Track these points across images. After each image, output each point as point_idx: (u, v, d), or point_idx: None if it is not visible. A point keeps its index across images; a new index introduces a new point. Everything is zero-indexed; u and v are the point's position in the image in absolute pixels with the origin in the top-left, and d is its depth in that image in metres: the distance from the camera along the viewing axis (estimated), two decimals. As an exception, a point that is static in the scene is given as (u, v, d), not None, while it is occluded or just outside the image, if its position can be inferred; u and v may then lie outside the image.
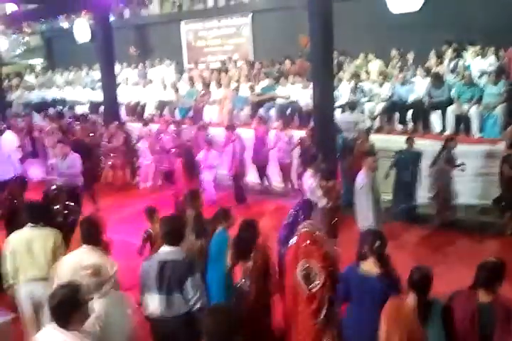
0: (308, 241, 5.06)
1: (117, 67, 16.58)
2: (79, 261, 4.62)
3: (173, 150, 11.59)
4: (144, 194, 11.94)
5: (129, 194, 12.12)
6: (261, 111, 13.27)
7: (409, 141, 9.49)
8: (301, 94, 12.61)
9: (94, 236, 4.90)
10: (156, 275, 4.40)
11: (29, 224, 5.44)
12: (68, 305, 3.46)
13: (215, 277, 5.37)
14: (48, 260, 5.26)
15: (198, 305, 4.32)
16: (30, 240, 5.33)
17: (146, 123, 13.19)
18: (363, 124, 11.08)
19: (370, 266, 4.45)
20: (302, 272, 4.97)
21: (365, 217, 7.11)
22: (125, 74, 17.62)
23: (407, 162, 9.39)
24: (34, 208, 5.68)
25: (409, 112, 11.29)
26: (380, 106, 11.72)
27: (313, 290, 4.93)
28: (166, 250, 4.53)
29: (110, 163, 12.84)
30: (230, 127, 11.46)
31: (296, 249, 5.10)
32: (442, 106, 10.75)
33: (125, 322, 4.19)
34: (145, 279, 4.52)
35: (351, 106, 11.42)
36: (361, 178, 7.25)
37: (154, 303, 4.44)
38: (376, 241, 4.47)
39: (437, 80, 10.85)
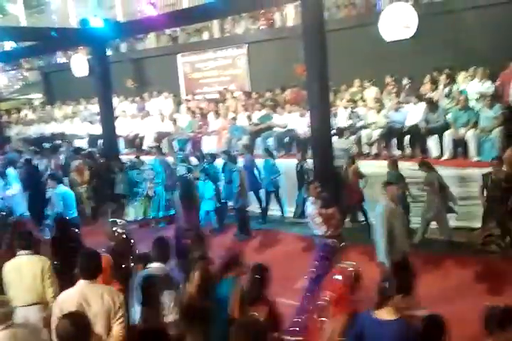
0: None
1: (115, 100, 16.67)
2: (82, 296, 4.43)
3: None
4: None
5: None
6: (259, 140, 13.32)
7: (392, 164, 9.63)
8: (298, 122, 12.65)
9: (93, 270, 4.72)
10: (138, 288, 4.74)
11: (20, 252, 5.58)
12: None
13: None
14: (38, 285, 5.36)
15: (170, 318, 4.61)
16: (19, 267, 5.48)
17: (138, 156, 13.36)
18: (352, 151, 11.15)
19: (386, 312, 4.14)
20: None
21: (378, 249, 6.71)
22: (123, 107, 17.73)
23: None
24: (24, 236, 5.79)
25: (407, 138, 11.33)
26: (376, 133, 11.75)
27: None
28: (151, 266, 5.03)
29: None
30: (233, 158, 11.50)
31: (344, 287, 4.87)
32: (439, 130, 10.78)
33: None
34: (133, 293, 4.87)
35: (340, 132, 11.47)
36: (379, 208, 6.77)
37: (137, 314, 4.74)
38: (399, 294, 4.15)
39: (432, 105, 10.92)
